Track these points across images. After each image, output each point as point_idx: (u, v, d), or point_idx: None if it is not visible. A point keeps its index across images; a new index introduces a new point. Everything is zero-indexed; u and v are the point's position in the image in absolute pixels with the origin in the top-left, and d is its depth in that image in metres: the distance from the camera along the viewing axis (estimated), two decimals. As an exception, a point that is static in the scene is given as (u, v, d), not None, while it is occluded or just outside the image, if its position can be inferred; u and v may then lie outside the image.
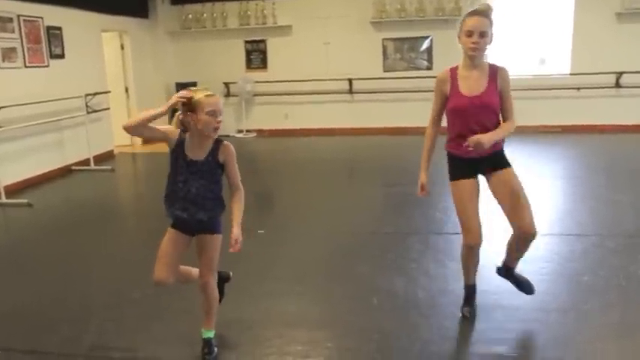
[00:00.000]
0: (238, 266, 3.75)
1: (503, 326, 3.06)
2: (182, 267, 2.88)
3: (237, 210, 2.70)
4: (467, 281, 3.22)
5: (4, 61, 6.76)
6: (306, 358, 2.85)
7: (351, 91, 10.31)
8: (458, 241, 4.37)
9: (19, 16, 7.03)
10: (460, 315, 3.17)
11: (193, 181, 2.63)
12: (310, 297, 3.60)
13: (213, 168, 2.65)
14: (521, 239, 3.02)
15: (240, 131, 10.66)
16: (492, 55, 9.67)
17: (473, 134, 2.80)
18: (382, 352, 2.91)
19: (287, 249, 4.51)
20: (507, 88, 2.90)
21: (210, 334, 2.84)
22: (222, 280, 3.10)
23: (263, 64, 10.66)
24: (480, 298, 3.39)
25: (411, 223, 4.96)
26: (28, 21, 7.23)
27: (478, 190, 2.99)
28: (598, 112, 9.53)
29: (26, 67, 7.17)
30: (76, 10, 8.20)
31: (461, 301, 3.32)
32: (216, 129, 2.58)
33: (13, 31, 6.94)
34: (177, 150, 2.65)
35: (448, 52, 9.58)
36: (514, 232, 3.02)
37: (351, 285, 3.73)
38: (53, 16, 7.70)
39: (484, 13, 2.80)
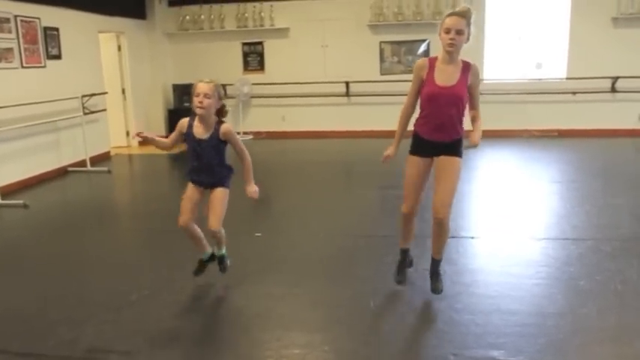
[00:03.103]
0: (236, 268, 3.76)
1: (500, 330, 3.07)
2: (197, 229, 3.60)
3: (247, 171, 3.47)
4: (400, 244, 3.62)
5: (0, 61, 6.74)
6: (303, 362, 2.85)
7: (348, 94, 10.33)
8: (454, 245, 4.41)
9: (16, 16, 7.01)
10: (396, 282, 3.54)
11: (204, 155, 3.39)
12: (307, 300, 3.60)
13: (217, 144, 3.39)
14: (434, 221, 3.30)
15: (237, 133, 10.62)
16: (490, 58, 9.80)
17: (439, 120, 3.21)
18: (379, 356, 2.91)
19: (284, 252, 4.51)
20: (477, 82, 3.26)
21: (224, 251, 3.70)
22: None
23: (260, 67, 10.66)
24: (477, 303, 3.41)
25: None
26: (25, 21, 7.21)
27: (429, 170, 3.34)
28: (594, 117, 9.58)
29: (23, 67, 7.15)
30: (73, 10, 8.19)
31: (456, 304, 3.34)
32: (198, 107, 3.25)
33: (10, 32, 6.92)
34: (188, 133, 3.40)
35: (445, 55, 9.68)
36: (432, 211, 3.30)
37: (348, 287, 3.73)
38: (50, 16, 7.68)
39: (462, 13, 3.11)
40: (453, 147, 3.26)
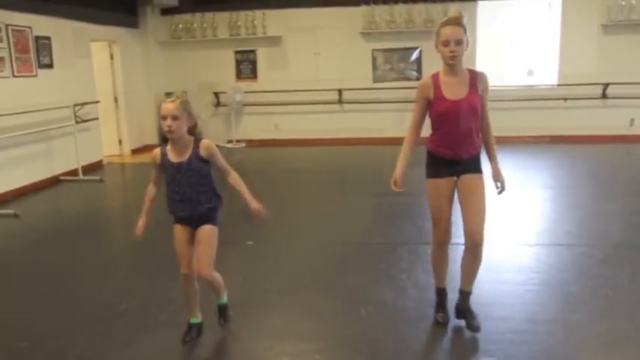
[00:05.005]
0: (227, 278, 3.73)
1: (492, 337, 3.07)
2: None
3: (241, 188, 2.99)
4: (437, 283, 3.31)
5: (-9, 70, 6.72)
6: (295, 371, 2.84)
7: (340, 102, 10.35)
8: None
9: (7, 25, 6.99)
10: (436, 322, 3.24)
11: (185, 182, 2.90)
12: (299, 308, 3.58)
13: (200, 165, 2.91)
14: (468, 246, 3.10)
15: (229, 141, 10.64)
16: (482, 65, 9.85)
17: (457, 135, 2.99)
18: (371, 364, 2.90)
19: (276, 260, 4.50)
20: (487, 90, 3.06)
21: (224, 300, 3.22)
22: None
23: (253, 74, 10.68)
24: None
25: (401, 234, 4.97)
26: (17, 30, 7.19)
27: (453, 189, 3.11)
28: (585, 123, 9.63)
29: (14, 76, 7.12)
30: (65, 20, 8.18)
31: (450, 311, 3.32)
32: (167, 132, 2.83)
33: (1, 41, 6.89)
34: (163, 160, 2.94)
35: (437, 62, 9.69)
36: (465, 237, 3.11)
37: (340, 296, 3.72)
38: (42, 25, 7.67)
39: (457, 21, 2.91)
40: (474, 164, 3.06)
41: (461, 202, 3.11)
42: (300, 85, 10.24)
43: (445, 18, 2.97)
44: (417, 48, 9.96)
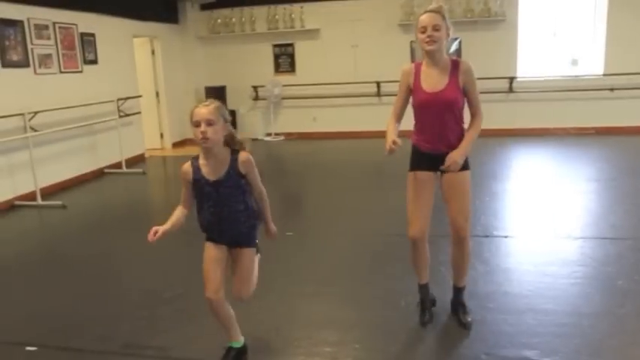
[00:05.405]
0: (267, 268, 3.78)
1: (534, 330, 3.01)
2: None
3: (266, 213, 2.78)
4: (418, 280, 3.24)
5: (40, 67, 6.95)
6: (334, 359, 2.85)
7: (379, 94, 10.29)
8: (487, 244, 4.34)
9: (54, 23, 7.22)
10: (420, 322, 3.13)
11: (223, 201, 2.59)
12: (339, 298, 3.60)
13: (238, 182, 2.60)
14: (455, 241, 3.06)
15: (268, 134, 10.73)
16: (524, 56, 9.63)
17: (434, 128, 2.92)
18: (410, 354, 2.89)
19: (315, 251, 4.53)
20: (471, 81, 2.91)
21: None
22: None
23: (291, 68, 10.72)
24: (510, 302, 3.35)
25: (440, 226, 4.89)
26: (63, 28, 7.42)
27: (433, 185, 3.02)
28: (633, 114, 9.31)
29: (61, 72, 7.35)
30: (108, 16, 8.39)
31: (489, 304, 3.28)
32: (202, 139, 2.48)
33: (49, 38, 7.13)
34: (198, 177, 2.60)
35: (477, 53, 9.57)
36: (451, 233, 3.06)
37: (379, 286, 3.72)
38: (87, 22, 7.88)
39: (435, 10, 2.86)
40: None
41: (444, 199, 3.03)
42: (338, 78, 10.24)
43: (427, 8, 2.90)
44: (456, 39, 9.79)
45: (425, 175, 3.01)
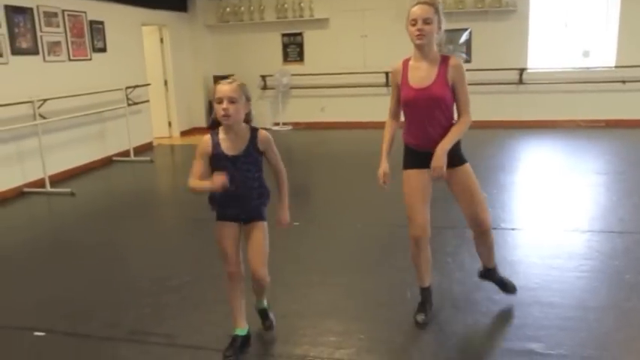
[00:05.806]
0: (274, 257, 3.79)
1: (539, 323, 3.01)
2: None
3: (283, 194, 2.79)
4: (419, 282, 3.12)
5: (49, 54, 6.97)
6: (339, 349, 2.86)
7: (387, 85, 10.24)
8: (494, 237, 4.30)
9: (63, 11, 7.23)
10: (415, 322, 3.04)
11: (239, 176, 2.60)
12: (344, 288, 3.61)
13: (256, 158, 2.65)
14: (477, 234, 3.06)
15: (276, 124, 10.72)
16: (535, 47, 9.54)
17: (422, 125, 2.83)
18: (415, 345, 2.90)
19: (322, 240, 4.54)
20: (460, 78, 2.81)
21: (265, 304, 3.03)
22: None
23: (300, 57, 10.68)
24: (517, 294, 3.34)
25: (446, 217, 4.90)
26: (72, 15, 7.43)
27: (428, 181, 2.93)
28: (644, 106, 9.22)
29: (70, 60, 7.37)
30: (117, 4, 8.39)
31: (496, 295, 3.28)
32: (223, 116, 2.51)
33: (58, 26, 7.14)
34: (216, 151, 2.61)
35: (487, 44, 9.50)
36: (470, 228, 3.06)
37: (385, 277, 3.73)
38: (96, 10, 7.89)
39: (428, 2, 2.80)
40: (451, 156, 2.81)
41: (456, 198, 2.99)
42: (347, 68, 10.19)
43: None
44: (466, 29, 9.72)
45: (419, 174, 2.93)
